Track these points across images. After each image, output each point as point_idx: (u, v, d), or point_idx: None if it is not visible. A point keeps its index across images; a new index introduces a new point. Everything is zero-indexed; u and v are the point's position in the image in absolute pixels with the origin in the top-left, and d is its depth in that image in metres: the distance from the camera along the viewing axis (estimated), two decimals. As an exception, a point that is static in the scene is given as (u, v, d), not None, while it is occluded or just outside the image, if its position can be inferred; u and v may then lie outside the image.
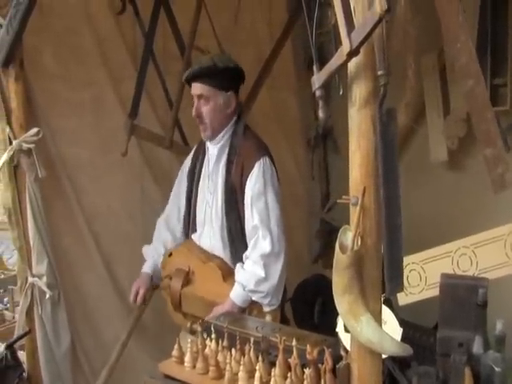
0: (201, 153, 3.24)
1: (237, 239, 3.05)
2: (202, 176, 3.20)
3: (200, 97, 3.00)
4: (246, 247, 3.01)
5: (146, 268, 3.31)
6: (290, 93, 4.38)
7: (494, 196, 3.00)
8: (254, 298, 2.93)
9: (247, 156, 2.99)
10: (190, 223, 3.30)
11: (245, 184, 2.97)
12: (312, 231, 4.47)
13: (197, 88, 3.00)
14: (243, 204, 3.00)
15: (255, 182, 2.95)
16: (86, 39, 3.44)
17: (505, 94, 3.21)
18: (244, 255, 3.00)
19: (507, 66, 3.19)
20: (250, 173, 2.96)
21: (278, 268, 2.93)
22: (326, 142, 4.44)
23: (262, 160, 2.97)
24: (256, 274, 2.90)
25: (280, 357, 2.19)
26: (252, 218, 2.96)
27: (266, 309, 2.95)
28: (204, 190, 3.17)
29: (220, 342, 2.39)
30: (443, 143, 3.54)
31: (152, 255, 3.31)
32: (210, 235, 3.14)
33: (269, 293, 2.93)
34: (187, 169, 3.30)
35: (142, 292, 3.23)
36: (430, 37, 3.39)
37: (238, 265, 3.01)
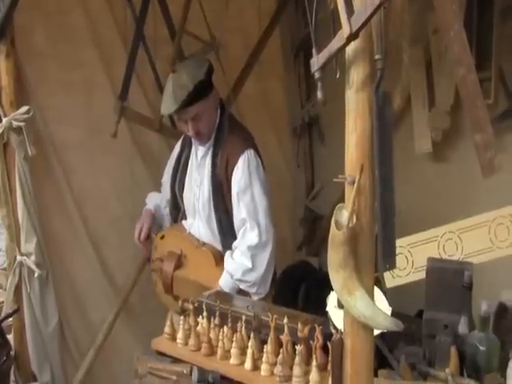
0: (187, 143, 3.26)
1: (227, 230, 3.08)
2: (188, 168, 3.22)
3: (194, 117, 2.97)
4: (235, 237, 3.05)
5: (149, 205, 3.34)
6: (277, 81, 4.40)
7: (476, 186, 3.10)
8: (241, 287, 2.98)
9: (231, 149, 3.01)
10: (176, 210, 3.34)
11: (230, 177, 3.00)
12: (296, 219, 4.51)
13: (189, 112, 2.95)
14: (230, 196, 3.02)
15: (240, 176, 2.97)
16: (77, 19, 3.43)
17: (489, 88, 3.26)
18: (233, 245, 3.04)
19: (491, 60, 3.25)
20: (234, 166, 2.98)
21: (265, 257, 2.98)
22: (312, 130, 4.49)
23: (246, 153, 2.98)
24: (243, 265, 2.95)
25: (271, 334, 2.24)
26: (239, 211, 2.99)
27: (254, 297, 2.99)
28: (191, 183, 3.20)
29: (212, 320, 2.43)
30: (428, 135, 3.59)
31: (155, 198, 3.36)
32: (200, 226, 3.18)
33: (255, 282, 2.98)
34: (176, 154, 3.33)
35: (145, 227, 3.23)
36: (416, 30, 3.45)
37: (228, 253, 3.05)
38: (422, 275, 2.35)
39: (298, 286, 3.76)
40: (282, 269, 3.90)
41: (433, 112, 3.57)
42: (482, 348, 2.03)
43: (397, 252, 2.40)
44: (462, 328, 2.13)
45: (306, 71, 4.41)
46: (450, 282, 2.24)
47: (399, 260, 2.44)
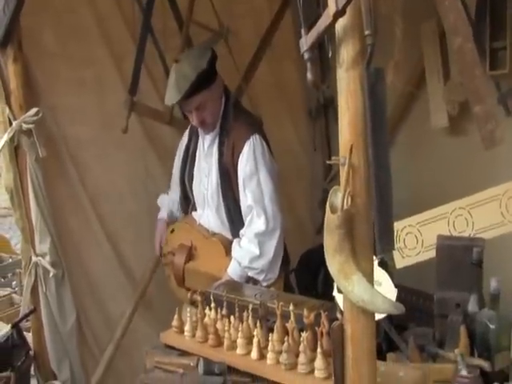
0: (194, 132, 3.24)
1: (236, 218, 3.07)
2: (196, 158, 3.22)
3: (198, 107, 2.95)
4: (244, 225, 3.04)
5: (163, 214, 3.40)
6: (291, 64, 4.29)
7: (494, 158, 3.01)
8: (249, 274, 2.97)
9: (237, 136, 2.99)
10: (186, 202, 3.35)
11: (237, 164, 2.98)
12: (315, 202, 4.45)
13: (193, 102, 2.93)
14: (237, 184, 3.01)
15: (246, 162, 2.95)
16: (86, 17, 3.43)
17: (504, 58, 3.15)
18: (240, 232, 3.03)
19: (506, 29, 3.14)
20: (240, 153, 2.96)
21: (272, 244, 2.95)
22: (327, 112, 4.41)
23: (251, 139, 2.95)
24: (250, 252, 2.93)
25: (278, 322, 2.22)
26: (246, 198, 2.97)
27: (263, 284, 2.97)
28: (200, 173, 3.19)
29: (219, 310, 2.42)
30: (444, 109, 3.50)
31: (167, 203, 3.40)
32: (209, 216, 3.17)
33: (263, 269, 2.96)
34: (184, 145, 3.33)
35: (164, 238, 3.32)
36: (429, 3, 3.35)
37: (235, 241, 3.05)
38: (433, 254, 2.30)
39: (318, 269, 3.71)
40: (301, 252, 3.89)
41: (448, 85, 3.48)
42: (492, 326, 1.98)
43: (406, 231, 2.40)
44: (472, 306, 2.08)
45: (320, 52, 4.32)
46: (460, 259, 2.19)
47: (409, 239, 2.39)
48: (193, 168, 3.23)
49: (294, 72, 4.33)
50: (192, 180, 3.24)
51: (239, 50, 3.79)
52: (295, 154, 4.36)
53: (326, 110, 4.40)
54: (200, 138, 3.18)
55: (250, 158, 2.94)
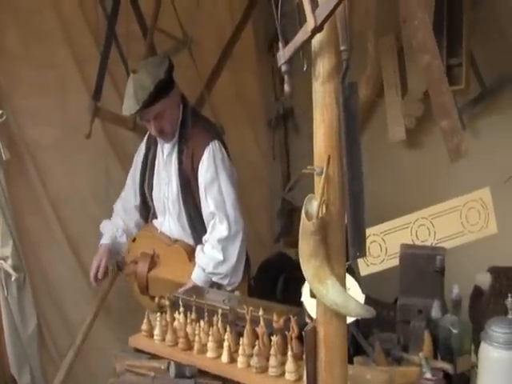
0: (152, 142, 3.22)
1: (197, 224, 3.08)
2: (156, 167, 3.20)
3: (156, 116, 2.93)
4: (207, 231, 3.05)
5: (105, 240, 3.26)
6: (251, 75, 4.40)
7: (451, 171, 3.13)
8: (213, 279, 2.99)
9: (196, 143, 2.99)
10: (146, 210, 3.33)
11: (197, 171, 2.99)
12: (273, 211, 4.52)
13: (151, 111, 2.90)
14: (198, 191, 3.02)
15: (207, 168, 2.96)
16: (50, 20, 3.42)
17: (460, 74, 3.28)
18: (203, 239, 3.04)
19: (462, 46, 3.27)
20: (200, 160, 2.97)
21: (235, 248, 2.98)
22: (287, 122, 4.50)
23: (211, 145, 2.96)
24: (214, 258, 2.95)
25: (247, 327, 2.25)
26: (207, 205, 2.99)
27: (228, 288, 3.00)
28: (160, 181, 3.18)
29: (188, 315, 2.44)
30: (401, 122, 3.61)
31: (110, 228, 3.28)
32: (171, 223, 3.18)
33: (227, 274, 2.99)
34: (142, 155, 3.30)
35: (103, 266, 3.16)
36: (388, 19, 3.47)
37: (198, 247, 3.06)
38: (396, 262, 2.38)
39: (277, 278, 3.77)
40: (260, 262, 3.93)
41: (406, 99, 3.60)
42: (454, 331, 2.06)
43: (370, 240, 2.47)
44: (435, 312, 2.16)
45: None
46: (422, 267, 2.27)
47: (373, 247, 2.47)
48: (152, 177, 3.22)
49: (254, 82, 4.43)
50: (152, 189, 3.23)
51: (201, 60, 3.82)
52: (255, 162, 4.42)
53: (285, 120, 4.49)
54: (159, 146, 3.17)
55: (210, 165, 2.95)
